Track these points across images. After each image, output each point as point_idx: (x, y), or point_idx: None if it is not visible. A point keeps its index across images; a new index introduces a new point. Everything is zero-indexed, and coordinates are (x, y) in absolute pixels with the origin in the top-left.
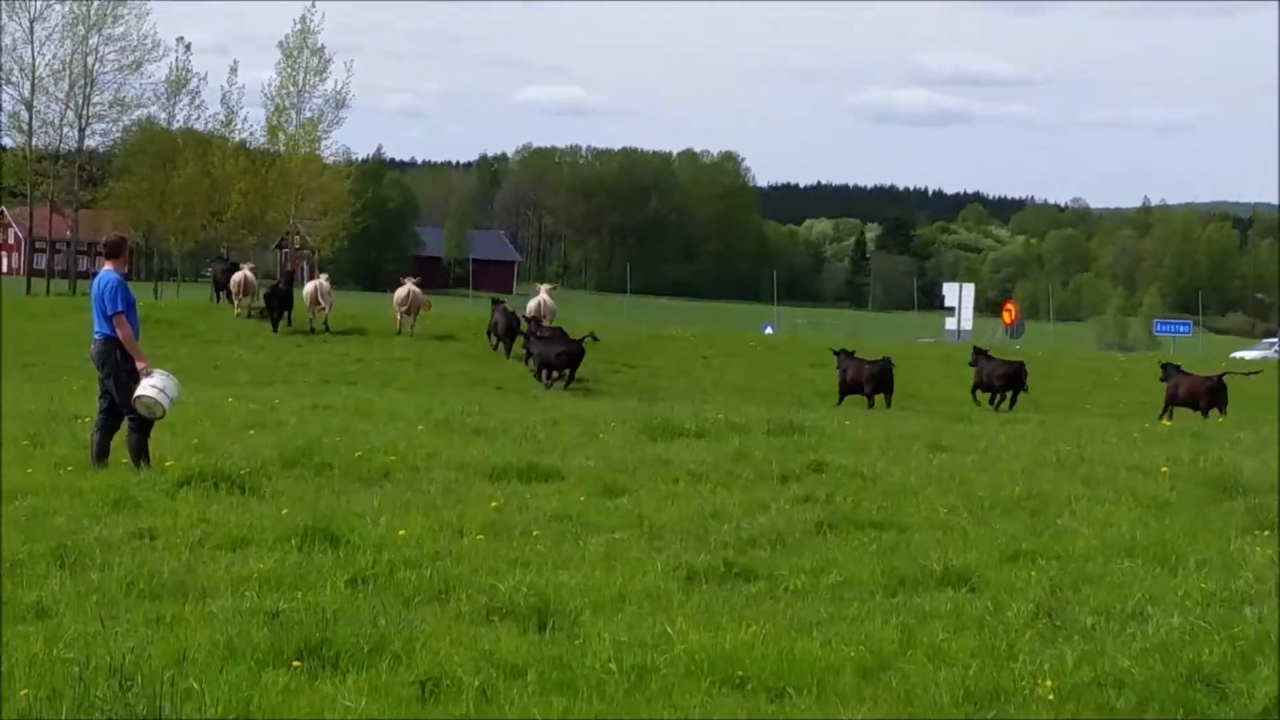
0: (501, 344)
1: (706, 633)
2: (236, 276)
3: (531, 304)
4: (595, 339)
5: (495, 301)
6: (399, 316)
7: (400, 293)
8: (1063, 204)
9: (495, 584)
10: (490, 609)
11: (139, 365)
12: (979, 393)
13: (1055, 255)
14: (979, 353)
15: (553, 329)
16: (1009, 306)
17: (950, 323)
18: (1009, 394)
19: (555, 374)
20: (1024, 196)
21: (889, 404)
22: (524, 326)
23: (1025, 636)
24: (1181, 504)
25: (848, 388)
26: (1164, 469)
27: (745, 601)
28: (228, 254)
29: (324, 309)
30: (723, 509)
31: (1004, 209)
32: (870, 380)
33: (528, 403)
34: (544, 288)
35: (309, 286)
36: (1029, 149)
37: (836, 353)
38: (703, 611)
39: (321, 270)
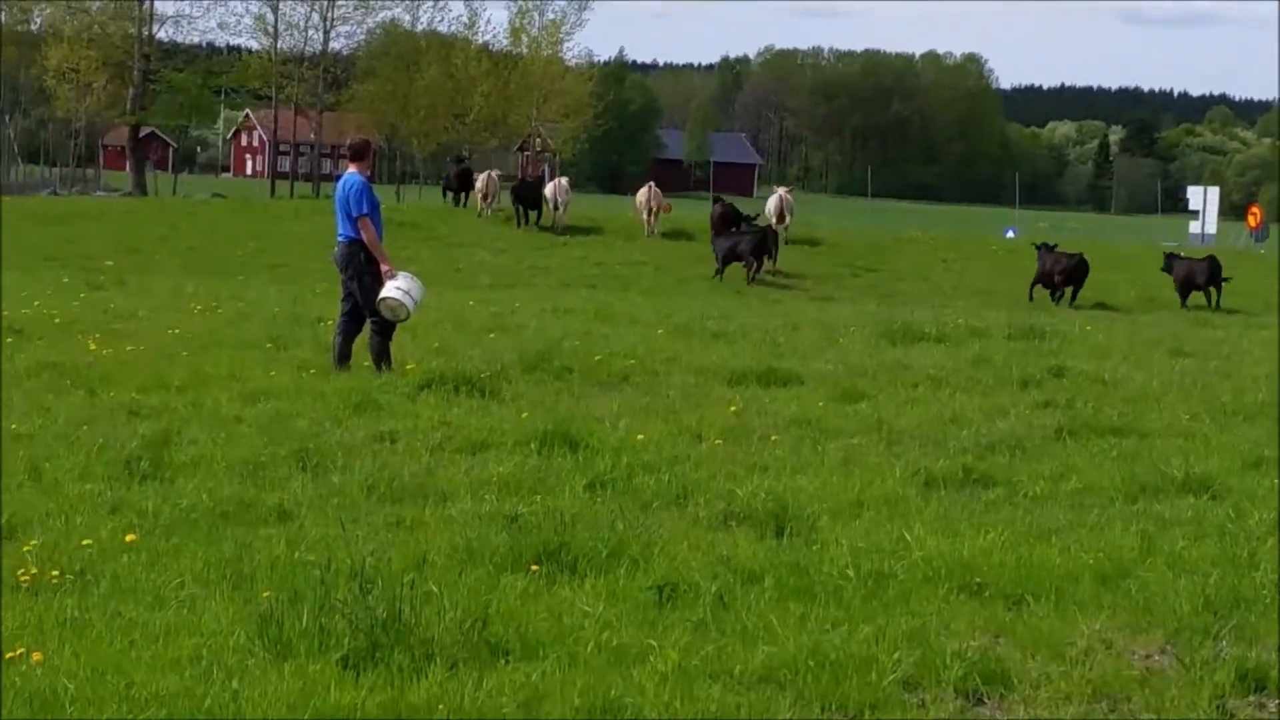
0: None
1: (945, 539)
2: (481, 178)
3: (771, 202)
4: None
5: (715, 200)
6: (643, 218)
7: (641, 194)
8: None
9: (733, 489)
10: (728, 514)
11: (383, 268)
12: (1188, 296)
13: None
14: (1170, 258)
15: (759, 228)
16: (1254, 210)
17: (1195, 226)
18: (1214, 290)
19: (752, 267)
20: (1271, 98)
21: (1074, 297)
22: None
23: (1267, 545)
24: None
25: (1039, 279)
26: None
27: (984, 508)
28: (470, 155)
29: (561, 212)
30: (962, 414)
31: (1250, 111)
32: (1062, 273)
33: (767, 307)
34: (781, 189)
35: (549, 188)
36: (1277, 50)
37: (1038, 246)
38: (941, 518)
39: (563, 174)
